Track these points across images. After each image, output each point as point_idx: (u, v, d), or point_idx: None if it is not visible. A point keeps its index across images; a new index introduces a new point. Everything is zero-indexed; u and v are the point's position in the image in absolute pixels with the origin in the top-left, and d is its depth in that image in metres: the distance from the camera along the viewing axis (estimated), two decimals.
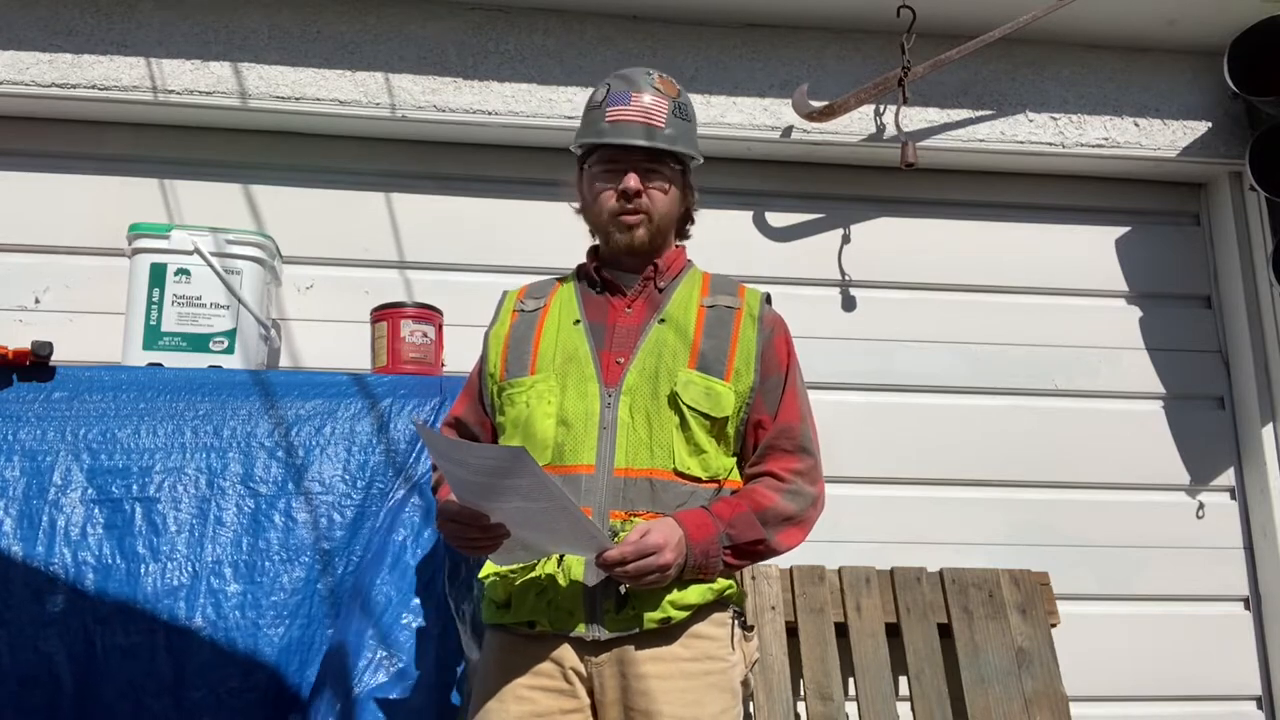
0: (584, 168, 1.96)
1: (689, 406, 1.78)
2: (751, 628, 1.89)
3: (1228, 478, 3.17)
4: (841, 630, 2.73)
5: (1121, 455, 3.13)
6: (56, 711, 2.04)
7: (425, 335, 2.56)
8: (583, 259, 2.02)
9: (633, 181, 1.86)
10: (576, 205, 2.01)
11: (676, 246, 2.01)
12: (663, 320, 1.88)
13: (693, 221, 2.03)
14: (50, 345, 2.27)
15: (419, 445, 2.31)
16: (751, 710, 2.57)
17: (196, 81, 2.88)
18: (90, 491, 2.19)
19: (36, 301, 2.85)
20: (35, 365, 2.27)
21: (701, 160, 1.98)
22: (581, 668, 1.72)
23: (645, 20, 3.09)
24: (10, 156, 2.94)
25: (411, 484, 2.28)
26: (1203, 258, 3.32)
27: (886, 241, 3.21)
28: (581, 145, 1.96)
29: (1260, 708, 3.03)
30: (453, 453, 1.62)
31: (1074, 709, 2.70)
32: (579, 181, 1.98)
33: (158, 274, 2.52)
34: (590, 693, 1.73)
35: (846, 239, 3.20)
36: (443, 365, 2.63)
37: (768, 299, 1.97)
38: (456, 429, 2.00)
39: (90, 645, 2.08)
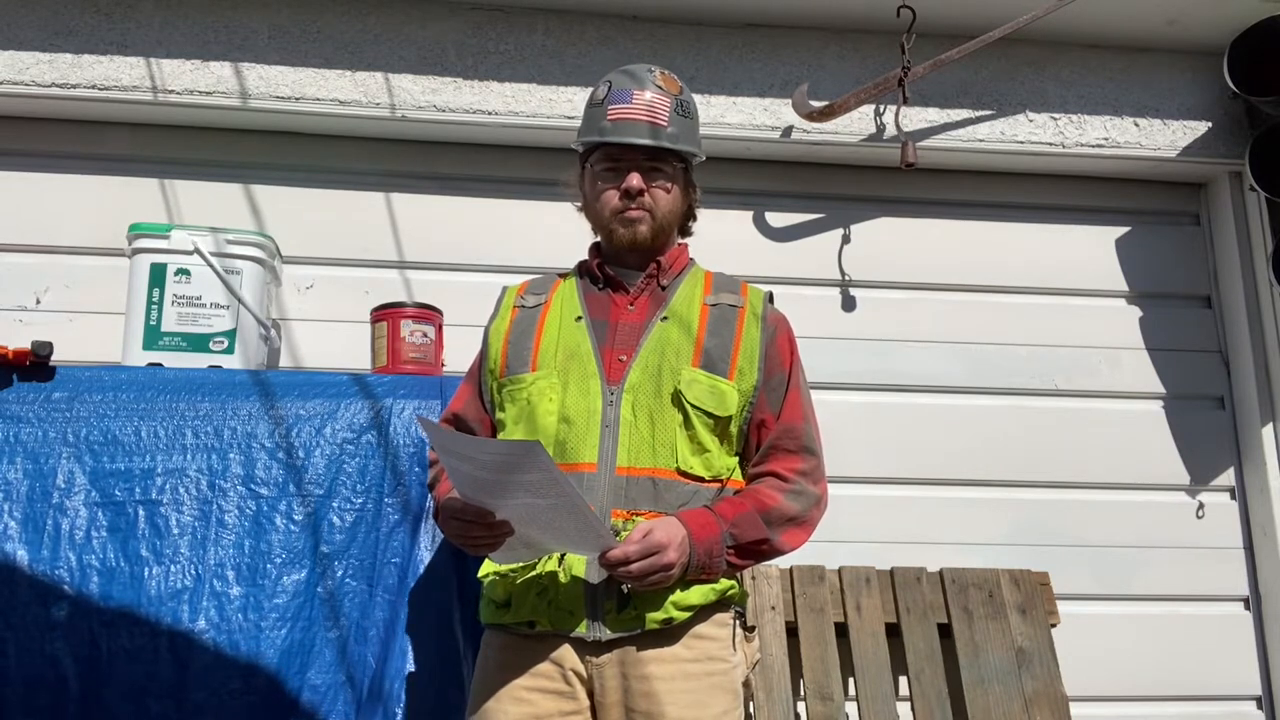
0: (586, 165, 1.96)
1: (693, 405, 1.78)
2: (753, 628, 1.89)
3: (1228, 478, 3.17)
4: (841, 630, 2.73)
5: (1121, 455, 3.13)
6: (62, 713, 2.04)
7: (425, 335, 2.56)
8: (582, 258, 2.01)
9: (635, 181, 1.86)
10: (578, 203, 2.01)
11: (679, 244, 2.01)
12: (666, 318, 1.87)
13: (695, 219, 2.03)
14: (50, 345, 2.27)
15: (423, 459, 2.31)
16: (751, 710, 2.57)
17: (196, 81, 2.88)
18: (93, 494, 2.19)
19: (37, 302, 2.85)
20: (35, 365, 2.27)
21: (704, 157, 1.98)
22: (582, 668, 1.72)
23: (645, 20, 3.08)
24: (10, 156, 2.93)
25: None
26: (1203, 258, 3.32)
27: (886, 241, 3.21)
28: (583, 143, 1.95)
29: (1260, 708, 3.03)
30: (458, 447, 1.61)
31: (1074, 709, 2.70)
32: (581, 179, 1.98)
33: (158, 274, 2.52)
34: (590, 694, 1.72)
35: (846, 239, 3.19)
36: (443, 365, 2.63)
37: (770, 298, 1.97)
38: (455, 425, 1.98)
39: (95, 648, 2.08)
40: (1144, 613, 3.04)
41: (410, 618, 2.19)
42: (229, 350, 2.51)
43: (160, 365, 2.42)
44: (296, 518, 2.23)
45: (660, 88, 1.91)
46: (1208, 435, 3.19)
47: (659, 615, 1.70)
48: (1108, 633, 3.00)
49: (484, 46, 3.01)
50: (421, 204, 3.06)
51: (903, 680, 2.73)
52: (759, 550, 1.77)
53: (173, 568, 2.16)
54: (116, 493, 2.20)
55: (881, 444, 3.06)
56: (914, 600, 2.78)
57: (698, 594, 1.74)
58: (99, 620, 2.10)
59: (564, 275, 2.02)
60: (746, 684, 1.87)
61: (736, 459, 1.87)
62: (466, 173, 3.10)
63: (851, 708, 2.67)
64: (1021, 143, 3.14)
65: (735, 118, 3.05)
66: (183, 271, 2.53)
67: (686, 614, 1.73)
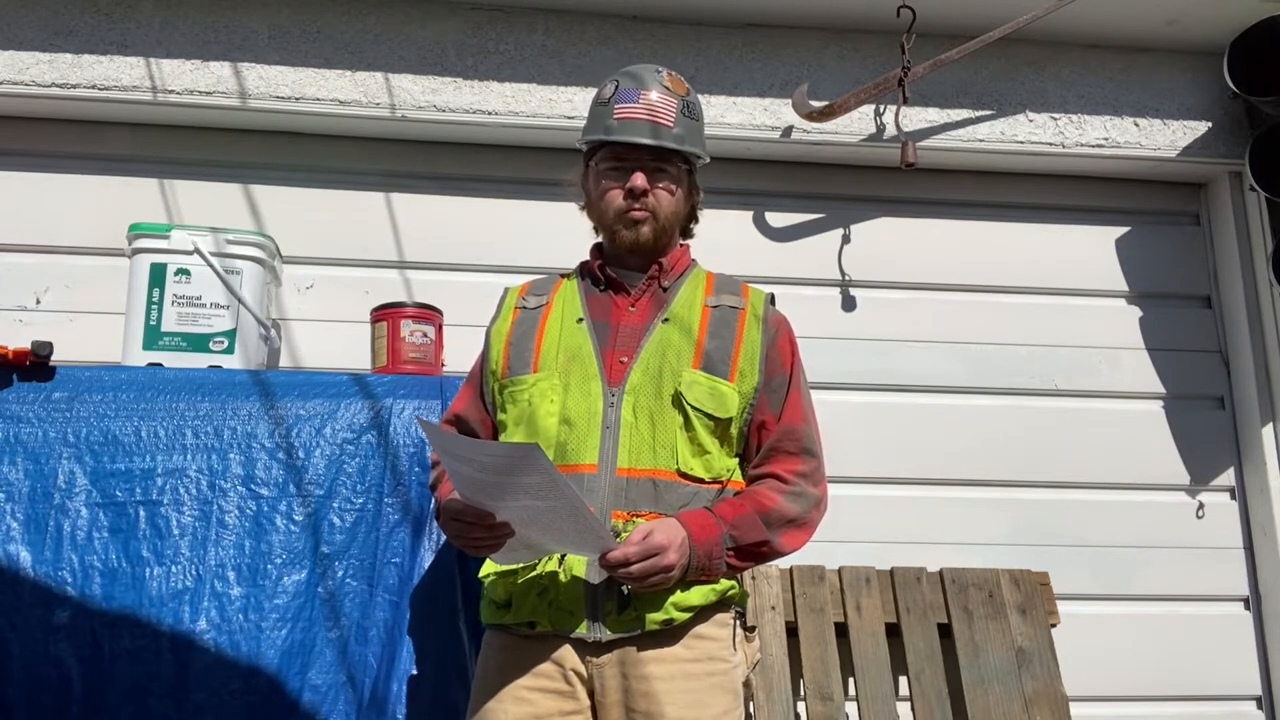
0: (590, 164, 1.95)
1: (693, 407, 1.78)
2: (753, 628, 1.89)
3: (1228, 478, 3.17)
4: (841, 630, 2.73)
5: (1121, 455, 3.13)
6: (65, 713, 2.04)
7: (425, 335, 2.56)
8: (583, 259, 2.01)
9: (640, 181, 1.86)
10: (580, 202, 2.01)
11: (680, 245, 2.01)
12: (667, 320, 1.87)
13: (697, 220, 2.03)
14: (50, 345, 2.27)
15: (423, 460, 2.30)
16: (751, 710, 2.57)
17: (196, 81, 2.88)
18: (94, 494, 2.19)
19: (37, 302, 2.85)
20: (35, 365, 2.27)
21: (708, 160, 1.98)
22: (582, 669, 1.72)
23: (645, 20, 3.08)
24: (10, 156, 2.93)
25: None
26: (1203, 258, 3.32)
27: (886, 241, 3.21)
28: (588, 142, 1.95)
29: (1260, 708, 3.03)
30: (459, 449, 1.61)
31: (1074, 709, 2.70)
32: (584, 178, 1.98)
33: (158, 274, 2.51)
34: (591, 694, 1.72)
35: (846, 239, 3.19)
36: (443, 365, 2.63)
37: (771, 299, 1.97)
38: (456, 426, 1.98)
39: (97, 648, 2.08)
40: (1144, 613, 3.04)
41: (412, 618, 2.20)
42: (229, 350, 2.51)
43: (160, 365, 2.42)
44: (297, 518, 2.23)
45: (667, 89, 1.91)
46: (1208, 435, 3.19)
47: (659, 616, 1.70)
48: (1108, 633, 3.00)
49: (484, 46, 3.01)
50: (421, 204, 3.06)
51: (903, 680, 2.73)
52: (759, 552, 1.77)
53: (174, 568, 2.16)
54: (117, 493, 2.20)
55: (881, 444, 3.06)
56: (914, 600, 2.78)
57: (698, 594, 1.74)
58: (101, 621, 2.10)
59: (565, 276, 2.02)
60: (747, 684, 1.87)
61: (737, 460, 1.87)
62: (466, 173, 3.10)
63: (851, 708, 2.67)
64: (1021, 143, 3.14)
65: (735, 118, 3.05)
66: (183, 271, 2.53)
67: (687, 614, 1.73)
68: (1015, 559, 2.93)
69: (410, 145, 3.07)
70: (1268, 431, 3.11)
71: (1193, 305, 3.29)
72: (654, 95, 1.89)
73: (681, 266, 1.97)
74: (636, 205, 1.87)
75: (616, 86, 1.92)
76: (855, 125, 3.08)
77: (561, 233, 2.60)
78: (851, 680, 2.69)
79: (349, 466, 2.29)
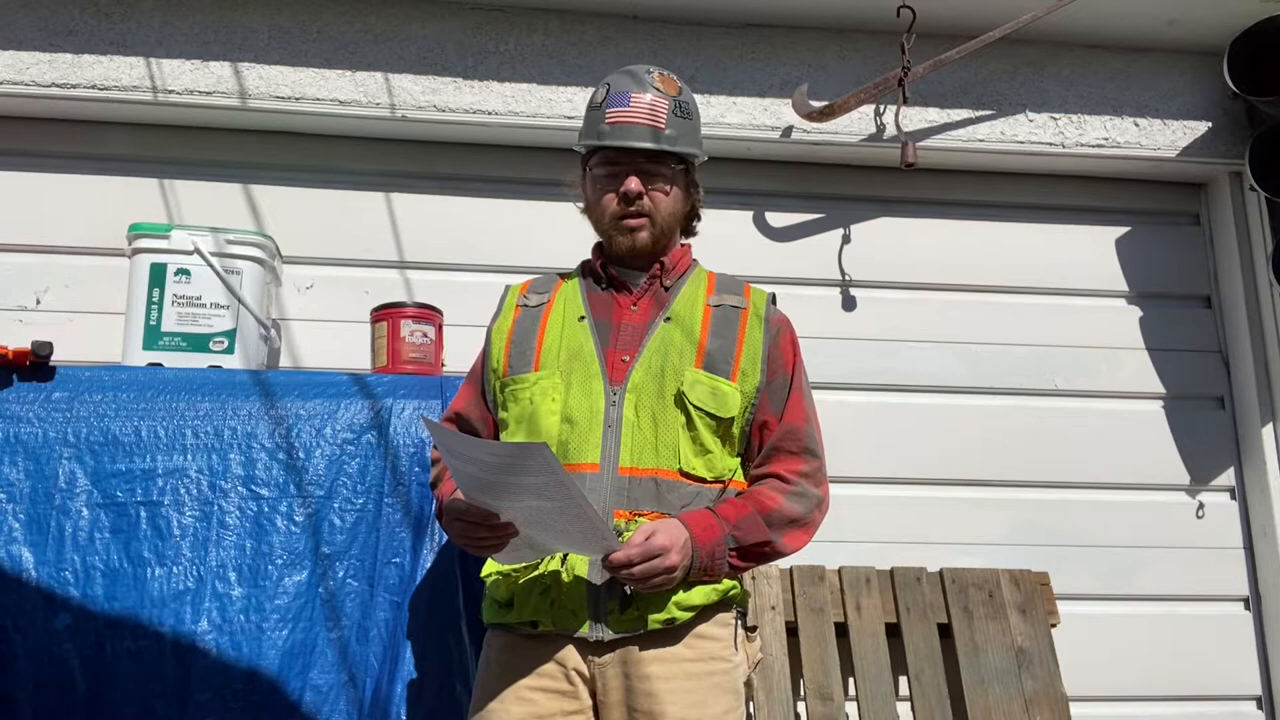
0: (586, 168, 1.96)
1: (695, 406, 1.78)
2: (754, 628, 1.89)
3: (1228, 478, 3.17)
4: (841, 630, 2.73)
5: (1121, 455, 3.13)
6: (69, 714, 2.04)
7: (425, 335, 2.56)
8: (584, 258, 2.01)
9: (633, 185, 1.86)
10: (581, 205, 2.01)
11: (682, 245, 2.01)
12: (669, 319, 1.87)
13: (698, 219, 2.03)
14: (50, 345, 2.27)
15: (424, 460, 2.30)
16: (751, 710, 2.57)
17: (196, 81, 2.87)
18: (95, 495, 2.19)
19: (37, 302, 2.85)
20: (35, 365, 2.27)
21: (705, 158, 1.98)
22: (584, 668, 1.72)
23: (645, 20, 3.08)
24: (10, 156, 2.93)
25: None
26: (1203, 258, 3.32)
27: (886, 241, 3.21)
28: (583, 146, 1.95)
29: (1260, 708, 3.03)
30: (462, 449, 1.60)
31: (1074, 709, 2.70)
32: (582, 181, 1.98)
33: (158, 274, 2.52)
34: (593, 693, 1.72)
35: (846, 239, 3.19)
36: (443, 365, 2.63)
37: (773, 299, 1.97)
38: (457, 424, 1.98)
39: (100, 649, 2.08)
40: (1144, 613, 3.04)
41: (413, 618, 2.20)
42: (229, 350, 2.51)
43: (160, 365, 2.42)
44: (297, 518, 2.23)
45: (658, 89, 1.90)
46: (1208, 435, 3.19)
47: (661, 615, 1.70)
48: (1108, 633, 3.00)
49: (484, 46, 3.01)
50: (421, 204, 3.06)
51: (903, 680, 2.73)
52: (761, 552, 1.77)
53: (175, 569, 2.16)
54: (118, 494, 2.20)
55: (881, 444, 3.06)
56: (914, 600, 2.78)
57: (700, 594, 1.74)
58: (103, 622, 2.10)
59: (566, 275, 2.02)
60: (747, 684, 1.87)
61: (739, 460, 1.87)
62: (466, 173, 3.09)
63: (851, 708, 2.68)
64: (1021, 143, 3.14)
65: (735, 118, 3.05)
66: (183, 271, 2.52)
67: (689, 614, 1.73)
68: (1015, 559, 2.93)
69: (410, 145, 3.07)
70: (1268, 431, 3.11)
71: (1193, 305, 3.29)
72: (646, 97, 1.89)
73: (683, 266, 1.97)
74: (632, 209, 1.87)
75: (608, 90, 1.92)
76: (855, 125, 3.08)
77: (561, 233, 2.61)
78: (851, 680, 2.69)
79: (349, 466, 2.29)
